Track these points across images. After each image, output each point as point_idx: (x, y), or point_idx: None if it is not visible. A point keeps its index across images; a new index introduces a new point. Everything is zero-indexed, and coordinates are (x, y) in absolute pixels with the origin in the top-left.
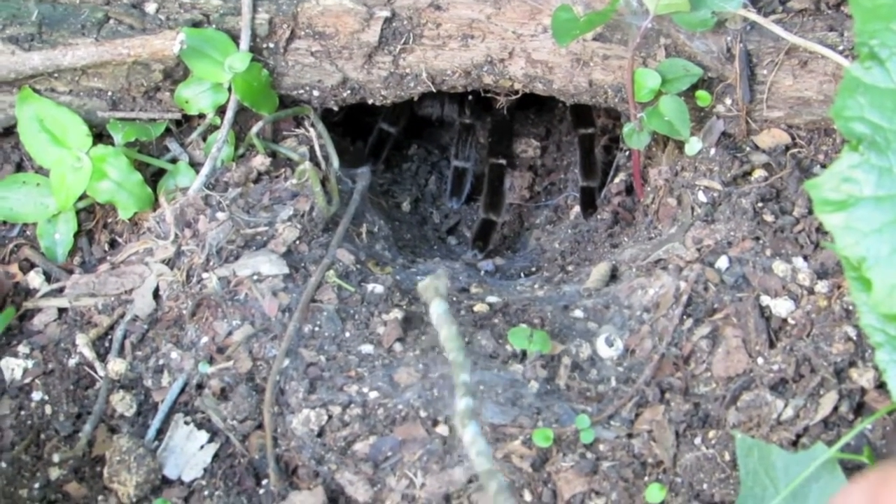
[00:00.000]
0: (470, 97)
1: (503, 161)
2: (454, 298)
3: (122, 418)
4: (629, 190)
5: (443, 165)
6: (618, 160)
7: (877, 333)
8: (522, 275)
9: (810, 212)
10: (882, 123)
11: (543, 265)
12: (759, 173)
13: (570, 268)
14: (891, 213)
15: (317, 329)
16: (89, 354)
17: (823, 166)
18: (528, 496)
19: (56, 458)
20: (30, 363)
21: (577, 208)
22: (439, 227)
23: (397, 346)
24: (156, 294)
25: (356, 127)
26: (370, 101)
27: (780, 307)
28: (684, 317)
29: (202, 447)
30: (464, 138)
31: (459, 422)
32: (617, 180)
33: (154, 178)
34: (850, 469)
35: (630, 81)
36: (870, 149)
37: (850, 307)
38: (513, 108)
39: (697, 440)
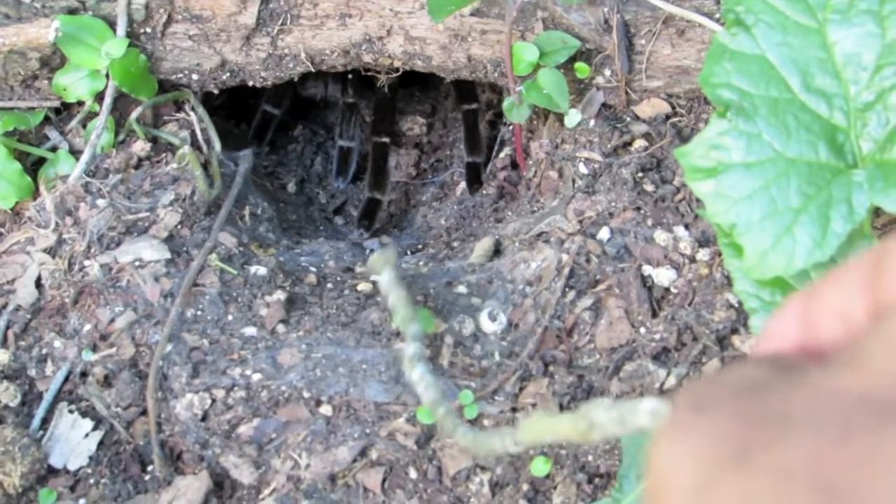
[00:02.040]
0: (352, 76)
1: (387, 139)
2: (338, 278)
3: (7, 409)
4: (514, 164)
5: (328, 146)
6: (502, 135)
7: (751, 299)
8: (409, 252)
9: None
10: (749, 89)
11: (430, 242)
12: (639, 143)
13: (455, 244)
14: (760, 178)
15: (199, 313)
16: None
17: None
18: (413, 473)
19: None
20: None
21: (462, 184)
22: (325, 207)
23: (280, 328)
24: (38, 283)
25: (240, 109)
26: (250, 84)
27: (662, 276)
28: (567, 289)
29: (87, 435)
30: (347, 118)
31: (409, 363)
32: (502, 155)
33: (34, 166)
34: None
35: (508, 55)
36: (738, 115)
37: (730, 274)
38: (397, 85)
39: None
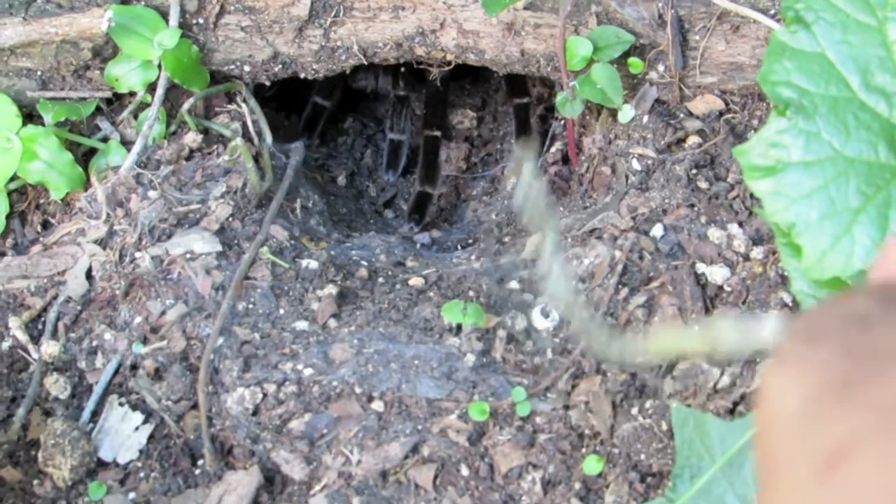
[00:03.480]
0: (403, 69)
1: (438, 133)
2: (389, 273)
3: (57, 401)
4: (565, 159)
5: (378, 138)
6: (553, 129)
7: (808, 299)
8: (459, 247)
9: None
10: (809, 88)
11: (480, 237)
12: (692, 140)
13: (506, 239)
14: (819, 177)
15: (251, 307)
16: (22, 337)
17: (757, 132)
18: (464, 471)
19: None
20: None
21: (513, 179)
22: (375, 200)
23: (332, 322)
24: (89, 275)
25: (290, 101)
26: (302, 76)
27: (716, 274)
28: (620, 286)
29: (137, 428)
30: (398, 111)
31: (549, 256)
32: (553, 150)
33: (85, 157)
34: None
35: (562, 50)
36: (797, 113)
37: (785, 273)
38: (448, 79)
39: (634, 410)
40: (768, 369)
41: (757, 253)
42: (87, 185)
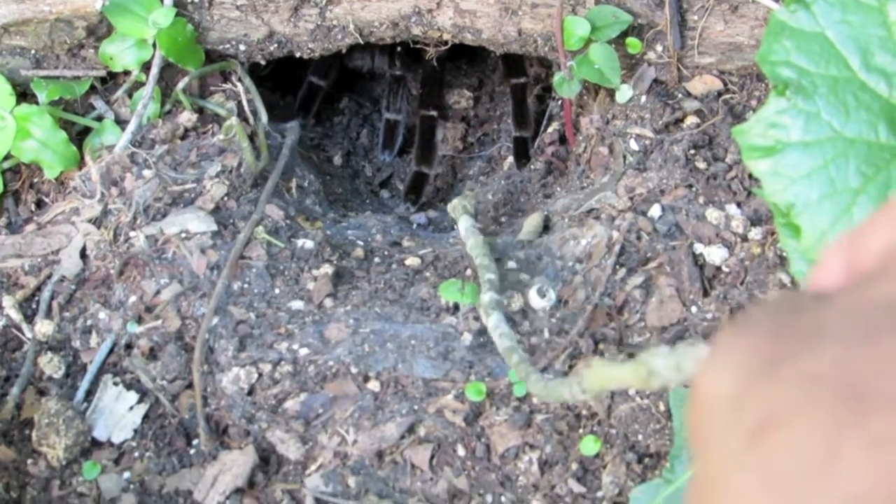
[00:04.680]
0: (400, 48)
1: (434, 113)
2: (385, 253)
3: (51, 380)
4: (562, 139)
5: (374, 118)
6: (550, 109)
7: (807, 280)
8: (455, 227)
9: (742, 158)
10: (808, 68)
11: (477, 217)
12: (691, 120)
13: (503, 219)
14: (819, 158)
15: (246, 286)
16: (16, 316)
17: (755, 112)
18: (461, 451)
19: None
20: None
21: (510, 159)
22: (371, 180)
23: (328, 302)
24: (83, 254)
25: (286, 81)
26: (298, 55)
27: (714, 255)
28: (617, 266)
29: (132, 408)
30: (395, 90)
31: (484, 312)
32: (550, 130)
33: (80, 136)
34: None
35: (559, 30)
36: (797, 93)
37: (784, 254)
38: (444, 58)
39: (632, 391)
40: (700, 363)
41: (755, 233)
42: (81, 164)
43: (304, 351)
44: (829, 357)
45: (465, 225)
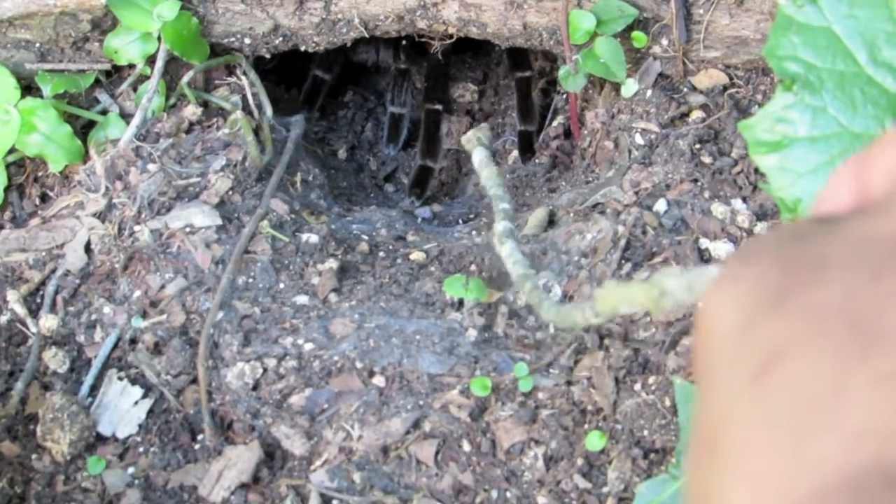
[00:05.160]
0: (405, 42)
1: (439, 106)
2: (390, 247)
3: (55, 375)
4: (567, 133)
5: (379, 112)
6: (555, 103)
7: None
8: (461, 221)
9: (749, 153)
10: (815, 62)
11: (482, 211)
12: (696, 114)
13: None
14: (826, 153)
15: (251, 281)
16: (20, 311)
17: (761, 106)
18: (466, 446)
19: None
20: None
21: (515, 153)
22: (376, 174)
23: (332, 297)
24: (87, 248)
25: (290, 74)
26: (303, 48)
27: (720, 250)
28: (623, 261)
29: (136, 403)
30: (399, 84)
31: (497, 240)
32: (555, 124)
33: (84, 129)
34: None
35: (565, 23)
36: (804, 88)
37: None
38: (449, 52)
39: (637, 386)
40: (706, 293)
41: (761, 228)
42: (85, 157)
43: (308, 346)
44: (835, 291)
45: (479, 156)
